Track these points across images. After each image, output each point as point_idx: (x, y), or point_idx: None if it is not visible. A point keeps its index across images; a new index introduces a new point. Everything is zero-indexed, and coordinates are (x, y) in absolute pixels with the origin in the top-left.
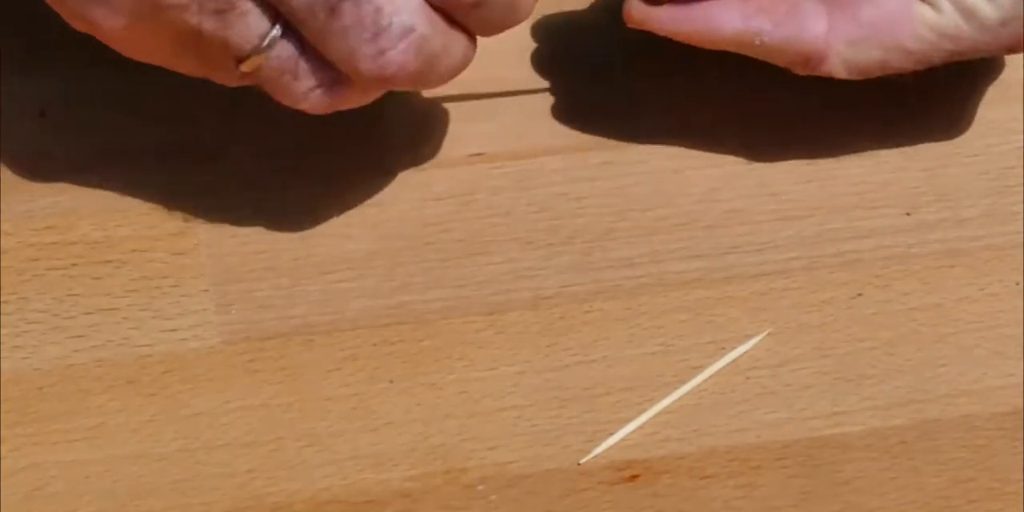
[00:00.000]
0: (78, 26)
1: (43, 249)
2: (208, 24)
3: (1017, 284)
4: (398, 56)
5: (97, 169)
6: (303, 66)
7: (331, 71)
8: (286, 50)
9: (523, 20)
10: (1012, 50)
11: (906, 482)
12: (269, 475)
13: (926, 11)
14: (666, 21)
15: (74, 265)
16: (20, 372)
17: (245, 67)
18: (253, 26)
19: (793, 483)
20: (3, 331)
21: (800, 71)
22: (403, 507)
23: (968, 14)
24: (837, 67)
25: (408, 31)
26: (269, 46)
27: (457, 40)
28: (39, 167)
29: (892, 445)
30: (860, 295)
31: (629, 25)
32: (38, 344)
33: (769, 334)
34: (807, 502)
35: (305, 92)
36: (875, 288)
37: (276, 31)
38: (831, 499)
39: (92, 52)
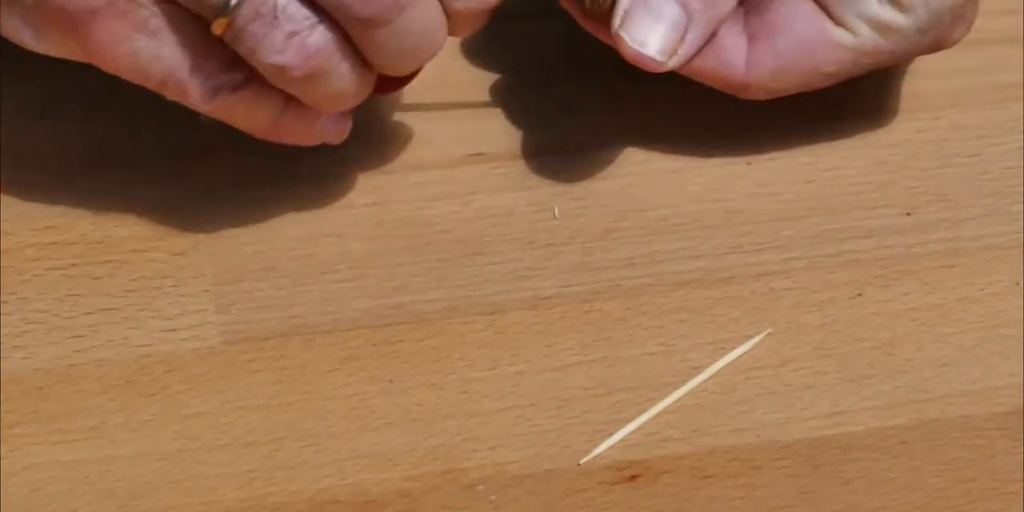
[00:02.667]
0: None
1: (43, 249)
2: None
3: (1017, 284)
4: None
5: (97, 169)
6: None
7: None
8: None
9: (422, 59)
10: (934, 50)
11: (906, 482)
12: (269, 475)
13: (842, 35)
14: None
15: (74, 265)
16: (20, 372)
17: (216, 29)
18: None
19: (793, 483)
20: (3, 331)
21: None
22: (403, 507)
23: (884, 29)
24: (759, 95)
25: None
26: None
27: (359, 74)
28: (39, 167)
29: (893, 445)
30: (860, 295)
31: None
32: (38, 344)
33: (769, 334)
34: (807, 502)
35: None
36: (875, 288)
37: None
38: (831, 499)
39: None
